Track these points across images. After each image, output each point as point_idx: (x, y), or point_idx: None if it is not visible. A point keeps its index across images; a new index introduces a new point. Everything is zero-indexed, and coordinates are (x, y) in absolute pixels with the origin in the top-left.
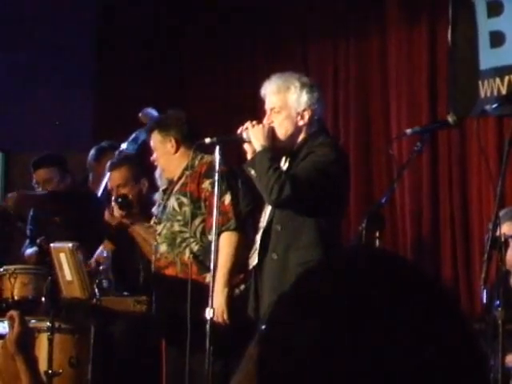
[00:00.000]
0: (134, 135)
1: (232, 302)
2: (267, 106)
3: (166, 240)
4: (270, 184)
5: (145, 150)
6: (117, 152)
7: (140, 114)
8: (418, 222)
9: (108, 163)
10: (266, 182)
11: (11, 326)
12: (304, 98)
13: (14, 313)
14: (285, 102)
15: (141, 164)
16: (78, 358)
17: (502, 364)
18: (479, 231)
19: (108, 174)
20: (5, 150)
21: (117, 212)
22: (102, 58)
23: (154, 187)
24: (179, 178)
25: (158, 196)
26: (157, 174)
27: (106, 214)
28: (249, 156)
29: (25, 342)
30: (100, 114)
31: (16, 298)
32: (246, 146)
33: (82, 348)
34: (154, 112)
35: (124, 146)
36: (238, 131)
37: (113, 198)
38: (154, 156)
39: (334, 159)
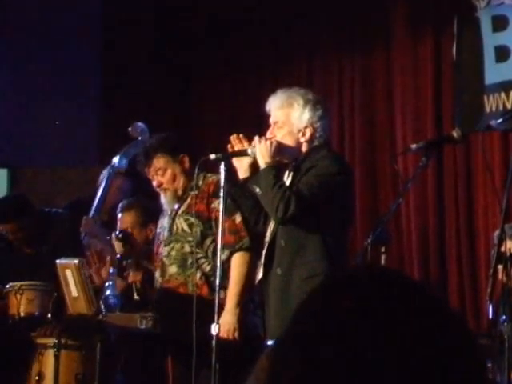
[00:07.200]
0: (123, 150)
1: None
2: (271, 120)
3: (175, 261)
4: (276, 202)
5: (135, 164)
6: (109, 166)
7: (130, 129)
8: (423, 236)
9: (120, 204)
10: (271, 200)
11: None
12: (306, 115)
13: None
14: (287, 117)
15: (149, 208)
16: (84, 375)
17: (508, 379)
18: (485, 246)
19: (119, 216)
20: (10, 166)
21: (118, 247)
22: (107, 72)
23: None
24: (184, 199)
25: (163, 219)
26: (162, 198)
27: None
28: (239, 172)
29: None
30: (106, 129)
31: (22, 314)
32: (234, 161)
33: (88, 364)
34: (143, 126)
35: (116, 159)
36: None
37: (113, 235)
38: (160, 180)
39: (336, 171)
